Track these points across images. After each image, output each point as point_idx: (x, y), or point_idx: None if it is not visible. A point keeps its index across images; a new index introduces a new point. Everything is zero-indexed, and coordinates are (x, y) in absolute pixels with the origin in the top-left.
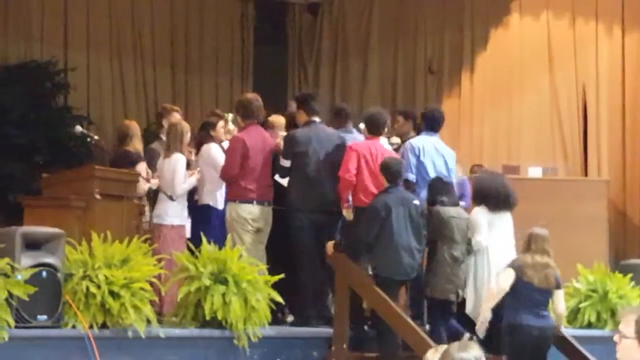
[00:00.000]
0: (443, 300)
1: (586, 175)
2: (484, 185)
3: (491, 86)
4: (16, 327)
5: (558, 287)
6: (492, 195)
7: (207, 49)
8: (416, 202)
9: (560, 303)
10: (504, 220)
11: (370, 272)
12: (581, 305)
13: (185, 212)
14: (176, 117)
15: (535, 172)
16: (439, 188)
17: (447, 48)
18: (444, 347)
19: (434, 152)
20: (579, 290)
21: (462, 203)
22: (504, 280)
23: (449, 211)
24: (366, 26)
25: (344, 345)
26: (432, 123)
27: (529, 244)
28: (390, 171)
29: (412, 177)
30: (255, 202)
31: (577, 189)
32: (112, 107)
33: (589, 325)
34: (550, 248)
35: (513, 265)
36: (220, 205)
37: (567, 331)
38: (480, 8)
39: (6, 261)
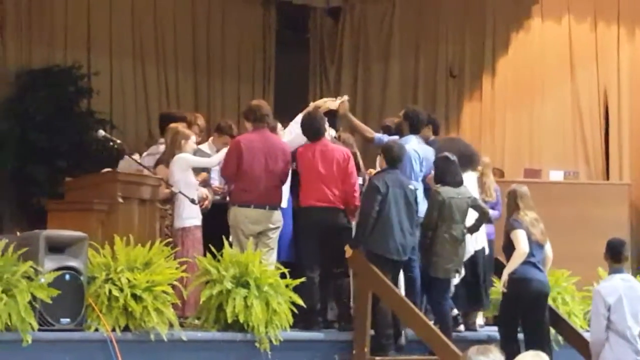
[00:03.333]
0: (445, 279)
1: (607, 179)
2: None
3: (512, 90)
4: (39, 330)
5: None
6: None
7: (229, 54)
8: (411, 186)
9: (549, 252)
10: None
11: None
12: None
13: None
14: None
15: (556, 175)
16: (443, 166)
17: (468, 52)
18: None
19: (430, 158)
20: None
21: (494, 212)
22: (524, 244)
23: (448, 192)
24: (387, 30)
25: (365, 349)
26: (416, 123)
27: (516, 202)
28: (391, 154)
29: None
30: (252, 205)
31: (599, 193)
32: (134, 112)
33: None
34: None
35: (521, 226)
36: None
37: (589, 335)
38: (502, 11)
39: (30, 264)
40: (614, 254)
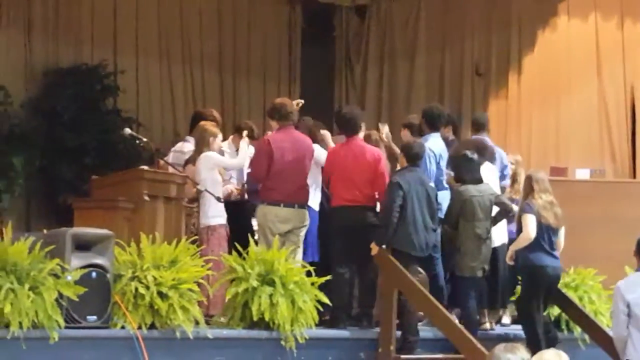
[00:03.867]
0: (470, 277)
1: (634, 177)
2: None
3: (539, 88)
4: (66, 327)
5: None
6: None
7: (254, 51)
8: (432, 184)
9: (561, 238)
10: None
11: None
12: None
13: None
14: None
15: (582, 174)
16: (462, 165)
17: (494, 50)
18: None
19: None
20: None
21: None
22: (531, 228)
23: (469, 190)
24: (413, 28)
25: (391, 347)
26: (436, 122)
27: (531, 185)
28: (411, 152)
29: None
30: (282, 204)
31: (625, 191)
32: (160, 110)
33: None
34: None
35: (531, 210)
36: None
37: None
38: (528, 9)
39: (56, 262)
40: None
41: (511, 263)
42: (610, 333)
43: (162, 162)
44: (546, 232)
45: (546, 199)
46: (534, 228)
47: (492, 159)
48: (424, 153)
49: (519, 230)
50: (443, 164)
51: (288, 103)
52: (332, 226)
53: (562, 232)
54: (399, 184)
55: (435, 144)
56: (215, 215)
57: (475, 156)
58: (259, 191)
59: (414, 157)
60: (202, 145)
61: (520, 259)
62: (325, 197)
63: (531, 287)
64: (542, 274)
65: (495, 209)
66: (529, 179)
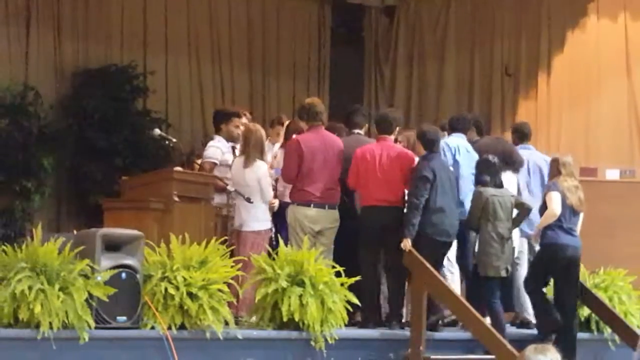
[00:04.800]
0: (495, 277)
1: None
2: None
3: (568, 88)
4: (96, 327)
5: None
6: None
7: (284, 52)
8: (451, 168)
9: (579, 223)
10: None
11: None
12: None
13: (269, 216)
14: (243, 121)
15: (612, 174)
16: (483, 168)
17: (524, 50)
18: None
19: (465, 152)
20: None
21: None
22: (556, 205)
23: (489, 190)
24: (442, 29)
25: (421, 348)
26: (458, 125)
27: (558, 169)
28: (427, 138)
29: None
30: (312, 204)
31: None
32: (190, 110)
33: None
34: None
35: (557, 188)
36: None
37: None
38: (557, 10)
39: (86, 262)
40: None
41: (537, 242)
42: None
43: (198, 164)
44: (569, 213)
45: (572, 183)
46: (559, 205)
47: (516, 170)
48: (439, 137)
49: (544, 209)
50: (460, 158)
51: (317, 103)
52: (363, 226)
53: (581, 216)
54: (426, 176)
55: (453, 140)
56: (261, 219)
57: (496, 160)
58: (290, 192)
59: (431, 142)
60: (257, 150)
61: (543, 237)
62: (347, 196)
63: (549, 264)
64: (562, 253)
65: (515, 212)
66: (556, 162)
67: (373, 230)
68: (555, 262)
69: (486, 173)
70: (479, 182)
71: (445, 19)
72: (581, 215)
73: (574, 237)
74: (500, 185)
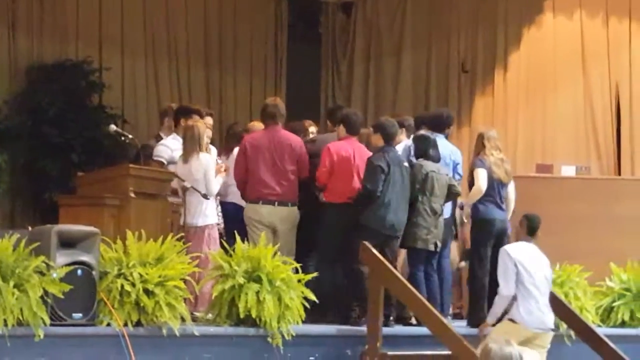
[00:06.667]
0: (422, 249)
1: (619, 174)
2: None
3: (524, 85)
4: (51, 325)
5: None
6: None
7: (240, 47)
8: (406, 164)
9: (512, 192)
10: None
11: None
12: (614, 304)
13: (218, 210)
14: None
15: (568, 171)
16: (422, 143)
17: (481, 47)
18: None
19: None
20: (612, 289)
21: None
22: (482, 181)
23: (429, 166)
24: (399, 25)
25: (378, 344)
26: (433, 125)
27: (482, 143)
28: (386, 131)
29: None
30: (261, 202)
31: (611, 188)
32: (146, 106)
33: (623, 324)
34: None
35: (482, 165)
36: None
37: (601, 330)
38: (514, 7)
39: (42, 259)
40: None
41: (467, 220)
42: (596, 328)
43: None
44: (497, 186)
45: (497, 156)
46: (484, 181)
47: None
48: (397, 132)
49: (471, 185)
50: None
51: (271, 103)
52: (333, 223)
53: (511, 187)
54: (381, 167)
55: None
56: (209, 214)
57: (432, 136)
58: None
59: (389, 136)
60: (195, 144)
61: (472, 212)
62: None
63: (481, 237)
64: (491, 226)
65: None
66: (480, 137)
67: (344, 226)
68: (489, 235)
69: (424, 147)
70: (419, 155)
71: (402, 15)
72: (510, 187)
73: (503, 211)
74: (438, 159)
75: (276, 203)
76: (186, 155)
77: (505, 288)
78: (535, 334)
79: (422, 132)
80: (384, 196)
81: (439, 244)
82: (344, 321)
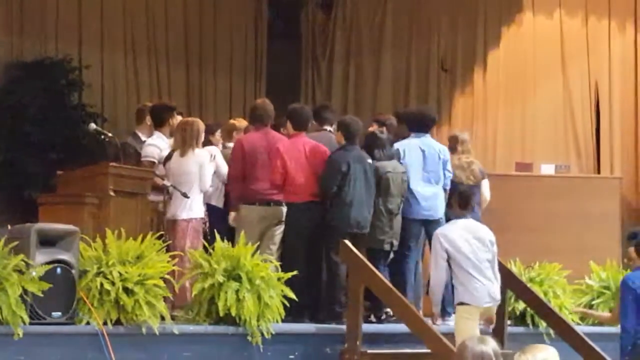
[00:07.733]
0: (378, 250)
1: (599, 172)
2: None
3: (504, 84)
4: (31, 323)
5: (483, 177)
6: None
7: (220, 46)
8: (369, 160)
9: (486, 191)
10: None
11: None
12: (594, 302)
13: (202, 206)
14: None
15: (547, 169)
16: (372, 142)
17: (460, 46)
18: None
19: (418, 152)
20: (591, 287)
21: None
22: (487, 192)
23: (385, 166)
24: (379, 24)
25: (357, 342)
26: (418, 124)
27: (455, 146)
28: (349, 129)
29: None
30: (257, 203)
31: (590, 187)
32: (126, 105)
33: (602, 322)
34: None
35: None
36: (221, 204)
37: (580, 328)
38: (493, 6)
39: (21, 258)
40: None
41: None
42: (575, 326)
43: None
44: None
45: (465, 160)
46: (488, 191)
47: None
48: (360, 130)
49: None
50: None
51: (260, 105)
52: (294, 223)
53: (485, 186)
54: (339, 165)
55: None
56: (188, 208)
57: (384, 135)
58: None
59: (352, 134)
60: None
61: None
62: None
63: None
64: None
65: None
66: (454, 139)
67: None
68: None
69: (376, 147)
70: (372, 157)
71: (382, 13)
72: (484, 186)
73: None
74: (391, 157)
75: (272, 203)
76: (183, 150)
77: (435, 276)
78: (486, 308)
79: (373, 129)
80: (347, 194)
81: (395, 243)
82: (331, 317)
